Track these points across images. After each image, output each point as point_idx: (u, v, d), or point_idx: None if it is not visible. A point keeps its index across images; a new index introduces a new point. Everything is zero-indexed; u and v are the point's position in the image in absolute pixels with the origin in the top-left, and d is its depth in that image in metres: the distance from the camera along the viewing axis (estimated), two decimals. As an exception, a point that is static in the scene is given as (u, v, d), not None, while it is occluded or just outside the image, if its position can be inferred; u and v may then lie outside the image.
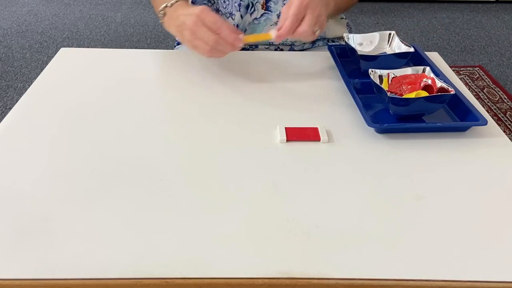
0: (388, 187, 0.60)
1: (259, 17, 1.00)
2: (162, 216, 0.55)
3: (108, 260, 0.49)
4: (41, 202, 0.56)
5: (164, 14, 0.86)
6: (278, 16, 0.99)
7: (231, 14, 1.01)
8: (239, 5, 0.98)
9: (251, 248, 0.51)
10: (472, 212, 0.57)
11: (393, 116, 0.73)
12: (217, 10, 1.02)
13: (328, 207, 0.57)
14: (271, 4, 0.98)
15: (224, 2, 1.00)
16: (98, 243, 0.51)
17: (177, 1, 0.86)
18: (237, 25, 1.02)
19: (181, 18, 0.80)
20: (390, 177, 0.62)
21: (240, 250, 0.51)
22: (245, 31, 1.03)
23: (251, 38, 0.80)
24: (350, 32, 1.09)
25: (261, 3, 0.98)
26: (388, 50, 0.88)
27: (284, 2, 0.98)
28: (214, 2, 1.02)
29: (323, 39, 1.06)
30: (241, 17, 1.00)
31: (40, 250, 0.50)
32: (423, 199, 0.58)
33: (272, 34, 0.77)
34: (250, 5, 0.99)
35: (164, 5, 0.86)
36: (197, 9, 0.78)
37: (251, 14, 1.00)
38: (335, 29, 1.07)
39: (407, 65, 0.84)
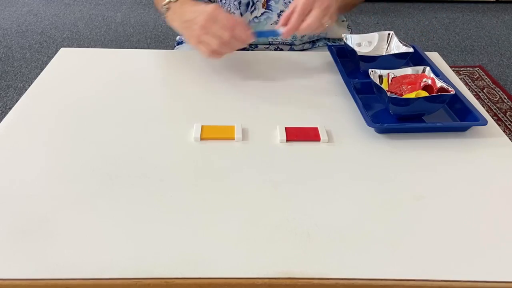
0: (388, 187, 0.60)
1: (259, 16, 1.00)
2: (162, 216, 0.55)
3: (108, 260, 0.49)
4: (41, 202, 0.56)
5: (168, 9, 0.87)
6: (279, 15, 0.99)
7: (230, 12, 1.01)
8: (239, 3, 0.98)
9: (251, 248, 0.51)
10: (472, 212, 0.57)
11: (393, 116, 0.73)
12: None
13: (328, 207, 0.57)
14: (272, 3, 0.98)
15: (221, 0, 1.00)
16: (98, 243, 0.51)
17: None
18: None
19: (188, 15, 0.81)
20: (390, 177, 0.62)
21: (240, 250, 0.51)
22: None
23: (211, 136, 0.69)
24: (351, 33, 1.08)
25: (262, 1, 0.98)
26: (387, 51, 0.88)
27: (284, 1, 0.98)
28: (214, 0, 1.02)
29: (324, 39, 1.06)
30: (241, 15, 1.00)
31: (40, 250, 0.50)
32: (423, 199, 0.58)
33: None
34: (251, 3, 0.98)
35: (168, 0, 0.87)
36: (210, 7, 0.79)
37: (251, 13, 0.99)
38: (336, 30, 1.07)
39: (407, 65, 0.84)
